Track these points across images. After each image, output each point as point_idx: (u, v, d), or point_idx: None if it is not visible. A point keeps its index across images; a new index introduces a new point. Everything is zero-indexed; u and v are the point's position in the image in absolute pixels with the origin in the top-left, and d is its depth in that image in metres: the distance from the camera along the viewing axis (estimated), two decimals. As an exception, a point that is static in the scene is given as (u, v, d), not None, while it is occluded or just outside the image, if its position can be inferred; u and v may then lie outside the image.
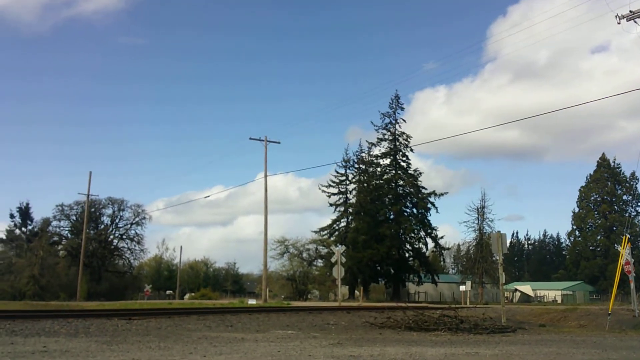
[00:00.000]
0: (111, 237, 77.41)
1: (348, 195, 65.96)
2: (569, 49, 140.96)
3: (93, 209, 72.03)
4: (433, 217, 76.93)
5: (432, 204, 62.24)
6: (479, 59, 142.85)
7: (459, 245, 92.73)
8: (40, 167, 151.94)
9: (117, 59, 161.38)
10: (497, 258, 24.02)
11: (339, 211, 65.49)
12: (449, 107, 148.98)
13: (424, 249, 63.89)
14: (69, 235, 74.81)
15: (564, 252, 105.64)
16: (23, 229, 68.33)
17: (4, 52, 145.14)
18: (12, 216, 68.06)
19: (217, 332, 14.60)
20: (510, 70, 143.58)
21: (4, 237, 68.05)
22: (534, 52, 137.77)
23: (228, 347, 11.00)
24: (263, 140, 44.05)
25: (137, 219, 77.59)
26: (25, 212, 68.34)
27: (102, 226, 76.61)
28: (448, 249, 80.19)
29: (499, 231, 21.25)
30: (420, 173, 63.19)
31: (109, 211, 76.72)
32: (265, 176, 44.00)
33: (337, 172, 66.58)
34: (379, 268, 61.53)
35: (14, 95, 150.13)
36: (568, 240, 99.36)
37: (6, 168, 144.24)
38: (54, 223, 73.15)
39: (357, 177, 65.68)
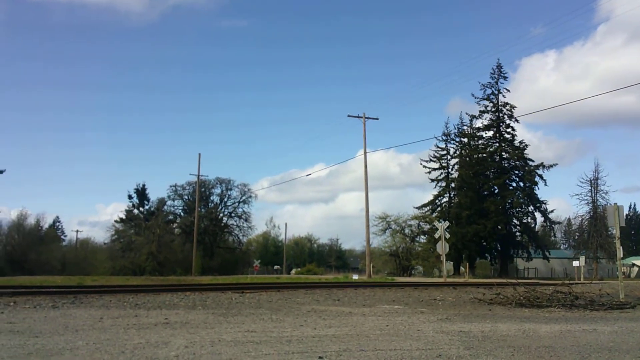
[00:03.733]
0: (221, 215, 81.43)
1: (450, 170, 64.57)
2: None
3: (203, 189, 75.90)
4: (542, 191, 74.12)
5: (540, 176, 59.76)
6: (591, 20, 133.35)
7: (569, 219, 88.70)
8: (155, 151, 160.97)
9: (220, 43, 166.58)
10: (614, 232, 22.73)
11: (441, 186, 64.27)
12: (559, 73, 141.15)
13: (533, 224, 61.57)
14: (182, 213, 79.42)
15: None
16: (140, 208, 72.99)
17: (119, 43, 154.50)
18: (130, 197, 72.91)
19: (325, 305, 14.93)
20: (625, 30, 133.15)
21: (124, 217, 73.09)
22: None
23: (337, 321, 11.26)
24: (361, 117, 44.04)
25: (244, 198, 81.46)
26: (142, 193, 72.88)
27: (212, 205, 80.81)
28: (559, 223, 76.85)
29: (615, 203, 19.94)
30: (527, 145, 60.77)
31: (218, 190, 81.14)
32: (365, 153, 44.10)
33: (438, 147, 65.21)
34: (484, 244, 60.11)
35: (131, 86, 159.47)
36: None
37: (125, 153, 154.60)
38: (169, 203, 78.38)
39: (458, 151, 64.07)
